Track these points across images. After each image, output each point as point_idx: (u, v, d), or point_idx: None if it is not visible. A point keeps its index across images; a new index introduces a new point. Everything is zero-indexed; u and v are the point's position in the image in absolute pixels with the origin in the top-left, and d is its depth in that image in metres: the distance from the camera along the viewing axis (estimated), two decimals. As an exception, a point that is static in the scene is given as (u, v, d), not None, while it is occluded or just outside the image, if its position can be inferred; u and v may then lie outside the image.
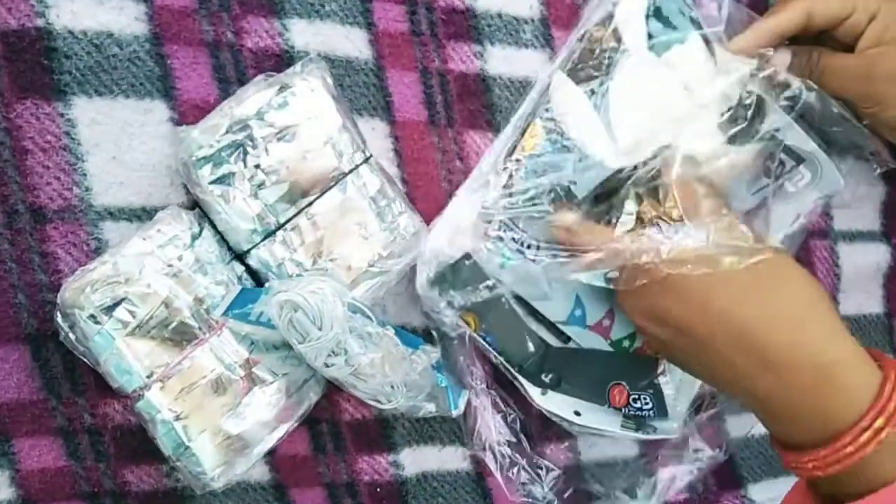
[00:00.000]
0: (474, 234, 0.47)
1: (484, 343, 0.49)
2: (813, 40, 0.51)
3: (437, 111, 0.50)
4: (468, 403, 0.49)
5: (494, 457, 0.51)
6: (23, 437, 0.43)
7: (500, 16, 0.51)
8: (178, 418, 0.39)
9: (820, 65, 0.50)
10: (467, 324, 0.48)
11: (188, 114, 0.44)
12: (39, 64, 0.41)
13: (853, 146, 0.54)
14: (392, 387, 0.43)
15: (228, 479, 0.40)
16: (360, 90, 0.48)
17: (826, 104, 0.51)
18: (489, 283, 0.47)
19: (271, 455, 0.47)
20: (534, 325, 0.50)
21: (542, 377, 0.49)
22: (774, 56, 0.49)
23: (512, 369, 0.49)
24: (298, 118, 0.41)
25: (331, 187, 0.42)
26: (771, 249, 0.42)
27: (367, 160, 0.43)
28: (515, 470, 0.52)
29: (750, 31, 0.49)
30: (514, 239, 0.47)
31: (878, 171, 0.56)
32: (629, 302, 0.45)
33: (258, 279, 0.43)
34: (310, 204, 0.42)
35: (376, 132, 0.48)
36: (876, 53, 0.49)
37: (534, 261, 0.46)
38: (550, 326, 0.50)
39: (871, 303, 0.63)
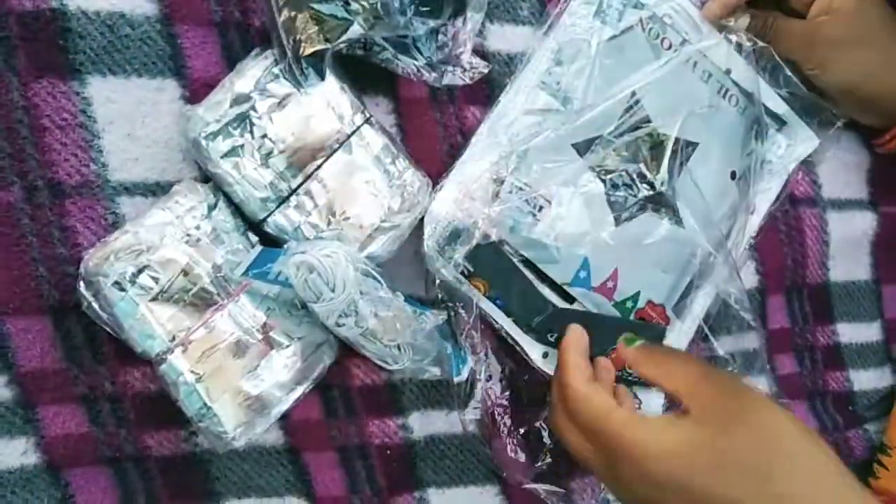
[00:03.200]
0: (483, 197, 0.49)
1: (493, 305, 0.50)
2: (773, 6, 0.56)
3: (439, 87, 0.51)
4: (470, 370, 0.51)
5: (494, 420, 0.53)
6: (47, 405, 0.45)
7: (498, -7, 0.52)
8: (199, 380, 0.41)
9: (773, 27, 0.55)
10: (478, 288, 0.50)
11: (199, 91, 0.45)
12: (55, 44, 0.43)
13: (818, 107, 0.59)
14: (399, 348, 0.44)
15: (248, 437, 0.42)
16: (364, 68, 0.49)
17: (778, 66, 0.56)
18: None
19: (285, 420, 0.49)
20: (539, 287, 0.51)
21: (549, 337, 0.51)
22: (736, 19, 0.55)
23: (520, 329, 0.51)
24: (303, 78, 0.43)
25: (336, 150, 0.44)
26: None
27: (367, 120, 0.45)
28: (515, 432, 0.54)
29: None
30: (527, 201, 0.49)
31: (833, 128, 0.60)
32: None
33: (276, 246, 0.44)
34: (318, 168, 0.43)
35: (380, 108, 0.50)
36: (820, 21, 0.54)
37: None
38: (556, 288, 0.52)
39: (859, 269, 0.65)
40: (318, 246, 0.41)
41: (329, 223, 0.43)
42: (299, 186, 0.43)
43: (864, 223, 0.64)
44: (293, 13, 0.42)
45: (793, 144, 0.58)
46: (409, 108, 0.51)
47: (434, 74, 0.47)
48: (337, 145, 0.44)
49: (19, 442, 0.45)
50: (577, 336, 0.47)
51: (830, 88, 0.57)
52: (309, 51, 0.42)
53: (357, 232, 0.44)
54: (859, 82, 0.56)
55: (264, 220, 0.43)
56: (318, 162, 0.43)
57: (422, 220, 0.48)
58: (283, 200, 0.43)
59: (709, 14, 0.54)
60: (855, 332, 0.66)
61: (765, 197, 0.58)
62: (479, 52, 0.52)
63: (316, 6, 0.42)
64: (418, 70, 0.47)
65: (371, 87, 0.49)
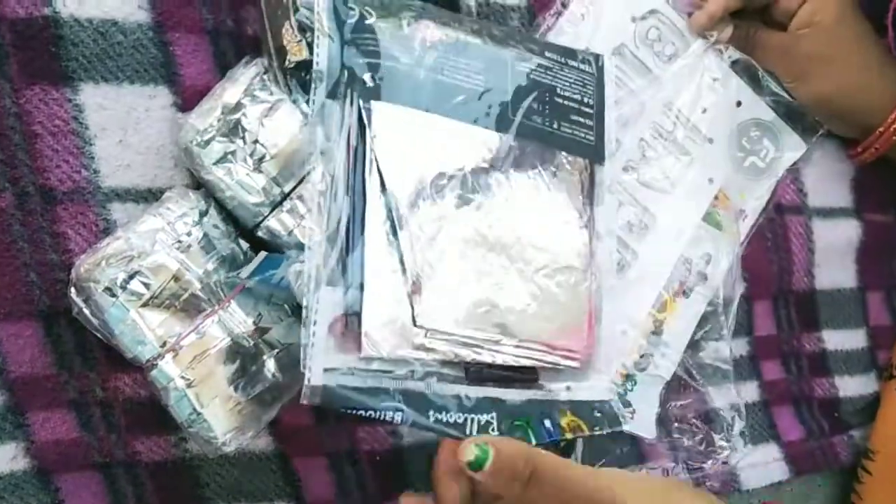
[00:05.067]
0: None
1: None
2: (758, 18, 0.57)
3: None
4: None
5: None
6: (37, 410, 0.45)
7: (488, 4, 0.53)
8: (190, 386, 0.41)
9: (755, 39, 0.56)
10: None
11: (191, 99, 0.46)
12: (47, 51, 0.43)
13: (801, 114, 0.60)
14: None
15: (239, 443, 0.42)
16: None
17: (761, 74, 0.57)
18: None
19: (275, 425, 0.49)
20: None
21: None
22: (719, 30, 0.56)
23: None
24: (286, 91, 0.43)
25: None
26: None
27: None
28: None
29: (705, 8, 0.55)
30: None
31: (817, 134, 0.61)
32: None
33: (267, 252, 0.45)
34: (310, 171, 0.44)
35: (371, 115, 0.50)
36: (801, 34, 0.55)
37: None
38: None
39: (844, 277, 0.66)
40: None
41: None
42: (292, 191, 0.43)
43: (848, 231, 0.65)
44: (280, 22, 0.43)
45: (781, 150, 0.59)
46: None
47: None
48: (328, 149, 0.44)
49: (9, 447, 0.45)
50: None
51: (808, 100, 0.58)
52: (294, 60, 0.43)
53: (350, 235, 0.44)
54: (836, 95, 0.57)
55: (258, 225, 0.44)
56: (310, 166, 0.44)
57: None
58: (276, 205, 0.43)
59: (695, 25, 0.55)
60: (840, 339, 0.67)
61: (755, 203, 0.59)
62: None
63: (303, 20, 0.43)
64: None
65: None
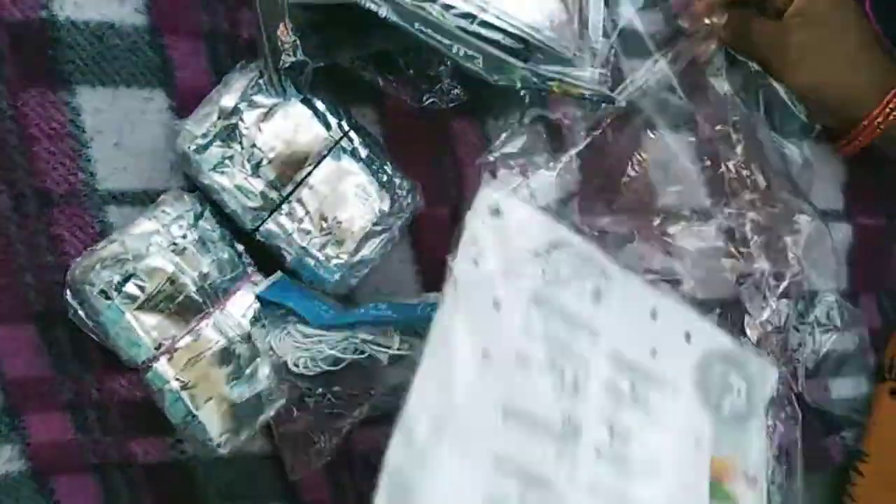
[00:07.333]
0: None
1: None
2: (752, 7, 0.57)
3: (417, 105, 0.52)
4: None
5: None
6: (32, 412, 0.45)
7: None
8: (185, 388, 0.41)
9: (749, 28, 0.56)
10: None
11: (187, 102, 0.46)
12: (44, 54, 0.43)
13: (802, 126, 0.60)
14: None
15: (234, 445, 0.42)
16: (351, 79, 0.50)
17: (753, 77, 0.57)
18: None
19: (270, 427, 0.49)
20: None
21: None
22: (717, 18, 0.55)
23: None
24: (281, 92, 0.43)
25: (325, 156, 0.44)
26: None
27: (353, 127, 0.46)
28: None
29: None
30: None
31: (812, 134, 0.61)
32: None
33: (262, 255, 0.45)
34: (308, 175, 0.44)
35: (366, 118, 0.50)
36: (795, 23, 0.55)
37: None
38: None
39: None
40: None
41: (321, 229, 0.44)
42: (290, 194, 0.44)
43: (839, 234, 0.65)
44: (275, 24, 0.43)
45: (753, 382, 0.50)
46: (395, 119, 0.51)
47: (413, 94, 0.48)
48: (325, 151, 0.44)
49: (5, 449, 0.45)
50: None
51: (799, 89, 0.58)
52: (289, 61, 0.43)
53: (349, 236, 0.45)
54: (826, 85, 0.57)
55: (256, 228, 0.44)
56: (308, 169, 0.44)
57: (412, 222, 0.49)
58: (274, 209, 0.44)
59: (696, 12, 0.55)
60: (833, 342, 0.67)
61: (757, 457, 0.50)
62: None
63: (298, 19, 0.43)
64: (398, 88, 0.48)
65: (357, 98, 0.50)
